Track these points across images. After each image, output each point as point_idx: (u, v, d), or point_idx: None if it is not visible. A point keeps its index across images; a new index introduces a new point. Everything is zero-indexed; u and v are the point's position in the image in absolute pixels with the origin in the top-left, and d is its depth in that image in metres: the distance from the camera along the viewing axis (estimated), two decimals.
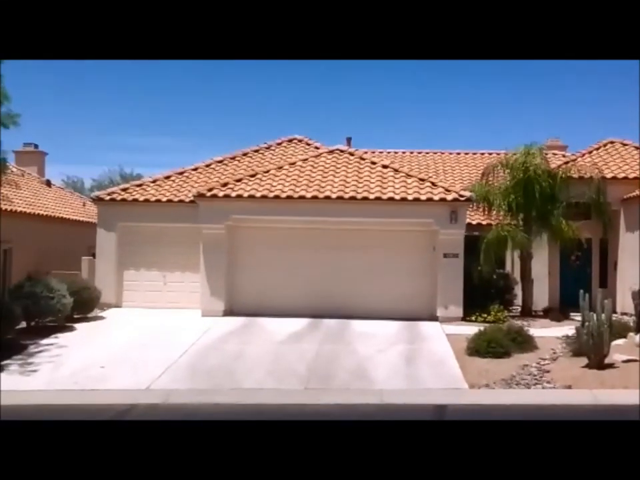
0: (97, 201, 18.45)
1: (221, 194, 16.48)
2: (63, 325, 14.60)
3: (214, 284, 16.45)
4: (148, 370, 11.02)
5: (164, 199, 17.75)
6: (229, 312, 16.37)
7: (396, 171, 17.75)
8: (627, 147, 20.79)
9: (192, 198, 16.90)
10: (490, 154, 23.48)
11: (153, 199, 17.79)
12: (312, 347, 12.86)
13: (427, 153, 25.12)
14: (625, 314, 16.52)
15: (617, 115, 55.54)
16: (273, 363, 11.65)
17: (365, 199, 16.22)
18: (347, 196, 16.27)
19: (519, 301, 17.92)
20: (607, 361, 11.10)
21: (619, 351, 11.83)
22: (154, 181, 18.71)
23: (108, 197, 18.17)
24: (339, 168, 17.87)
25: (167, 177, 18.92)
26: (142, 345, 13.01)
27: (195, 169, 19.48)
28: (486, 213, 18.56)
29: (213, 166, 19.78)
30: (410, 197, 16.22)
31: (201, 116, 61.85)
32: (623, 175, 18.98)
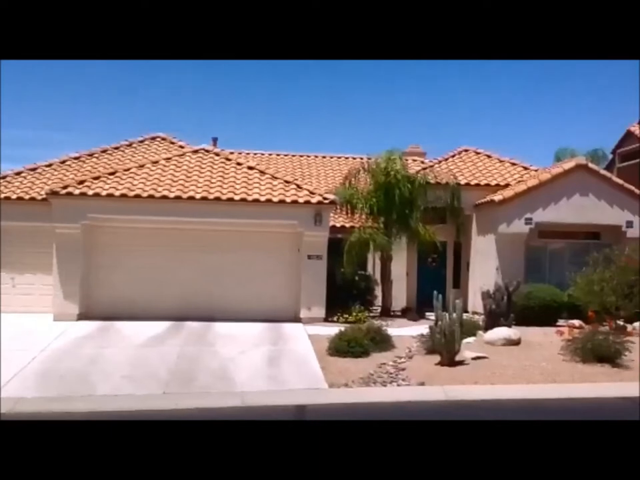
0: None
1: (76, 192, 15.69)
2: None
3: (68, 286, 15.61)
4: None
5: (13, 197, 16.63)
6: (85, 316, 15.60)
7: (262, 172, 17.72)
8: (479, 155, 22.14)
9: (44, 196, 15.95)
10: (354, 158, 24.06)
11: (2, 196, 16.61)
12: (173, 350, 12.52)
13: (294, 156, 25.37)
14: (476, 313, 17.51)
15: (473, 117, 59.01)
16: (131, 367, 11.20)
17: (230, 199, 16.06)
18: (211, 196, 16.03)
19: (379, 301, 18.48)
20: (457, 358, 11.66)
21: (469, 348, 12.47)
22: (3, 177, 17.49)
23: None
24: (203, 168, 17.57)
25: (18, 173, 17.77)
26: None
27: (49, 165, 18.44)
28: (349, 215, 19.00)
29: (68, 163, 18.82)
30: (275, 199, 16.26)
31: (60, 108, 58.70)
32: (475, 181, 20.17)
